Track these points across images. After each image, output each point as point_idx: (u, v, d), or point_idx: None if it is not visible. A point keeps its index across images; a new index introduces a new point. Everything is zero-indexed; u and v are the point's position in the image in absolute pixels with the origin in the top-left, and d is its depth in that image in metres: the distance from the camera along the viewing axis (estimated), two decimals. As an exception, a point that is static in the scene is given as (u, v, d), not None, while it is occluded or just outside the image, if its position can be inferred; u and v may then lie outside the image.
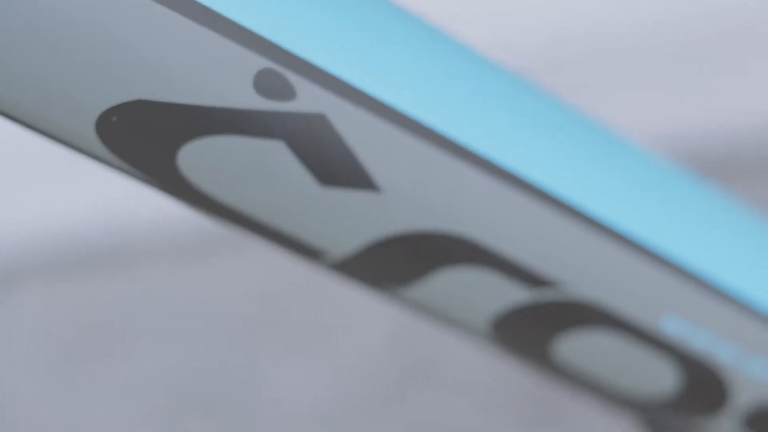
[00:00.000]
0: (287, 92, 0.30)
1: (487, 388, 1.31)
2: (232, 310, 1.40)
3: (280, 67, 0.30)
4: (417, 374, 1.34)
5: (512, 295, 0.35)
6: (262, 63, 0.30)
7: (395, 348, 1.36)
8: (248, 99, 0.30)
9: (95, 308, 1.41)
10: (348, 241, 0.33)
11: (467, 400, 1.32)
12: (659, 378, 0.38)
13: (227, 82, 0.30)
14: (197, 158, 0.31)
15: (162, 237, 1.44)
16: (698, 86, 1.39)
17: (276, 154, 0.31)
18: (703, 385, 0.39)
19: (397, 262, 0.34)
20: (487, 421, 1.30)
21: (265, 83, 0.30)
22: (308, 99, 0.31)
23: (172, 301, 1.40)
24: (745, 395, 0.39)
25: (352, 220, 0.33)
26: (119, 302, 1.40)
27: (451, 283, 0.35)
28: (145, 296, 1.41)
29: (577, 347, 0.37)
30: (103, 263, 1.43)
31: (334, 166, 0.31)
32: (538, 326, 0.36)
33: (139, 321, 1.39)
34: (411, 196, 0.32)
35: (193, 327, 1.39)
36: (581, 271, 0.35)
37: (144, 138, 0.31)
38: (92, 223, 1.42)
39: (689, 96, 1.39)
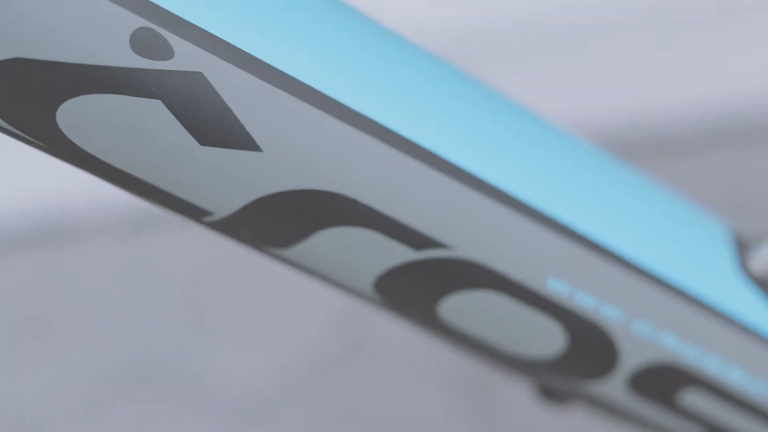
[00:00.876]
0: (164, 51, 0.30)
1: (426, 361, 1.32)
2: (174, 288, 1.40)
3: (156, 25, 0.30)
4: (359, 350, 1.34)
5: (396, 256, 0.35)
6: (139, 22, 0.30)
7: (337, 326, 1.36)
8: (125, 58, 0.30)
9: (33, 286, 1.40)
10: (231, 201, 0.33)
11: (407, 372, 1.33)
12: (547, 340, 0.38)
13: (104, 40, 0.30)
14: (76, 117, 0.31)
15: (101, 214, 1.44)
16: (611, 70, 1.40)
17: (154, 113, 0.31)
18: (592, 346, 0.39)
19: (280, 222, 0.34)
20: (425, 391, 1.31)
21: (142, 42, 0.30)
22: (186, 58, 0.31)
23: (110, 279, 1.40)
24: (633, 356, 0.39)
25: (234, 180, 0.33)
26: (57, 280, 1.40)
27: (334, 244, 0.35)
28: (83, 274, 1.40)
29: (463, 309, 0.37)
30: (41, 241, 1.42)
31: (214, 125, 0.31)
32: (423, 288, 0.36)
33: (77, 299, 1.39)
34: (292, 155, 0.32)
35: (134, 305, 1.38)
36: (466, 232, 0.35)
37: (23, 97, 0.31)
38: (29, 203, 1.41)
39: (602, 80, 1.40)
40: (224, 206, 0.33)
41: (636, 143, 1.43)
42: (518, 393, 1.26)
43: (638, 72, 1.39)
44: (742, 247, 0.41)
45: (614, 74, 1.39)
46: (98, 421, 1.32)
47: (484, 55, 1.35)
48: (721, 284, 0.40)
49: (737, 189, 1.39)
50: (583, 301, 0.38)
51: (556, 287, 0.37)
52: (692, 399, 0.41)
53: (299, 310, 1.37)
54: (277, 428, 1.31)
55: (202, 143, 0.32)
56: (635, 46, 1.37)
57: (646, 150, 1.42)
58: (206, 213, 0.34)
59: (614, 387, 0.41)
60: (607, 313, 0.38)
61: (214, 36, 0.31)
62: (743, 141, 1.42)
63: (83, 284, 1.39)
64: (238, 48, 0.31)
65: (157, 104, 0.31)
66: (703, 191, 1.39)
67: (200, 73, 0.31)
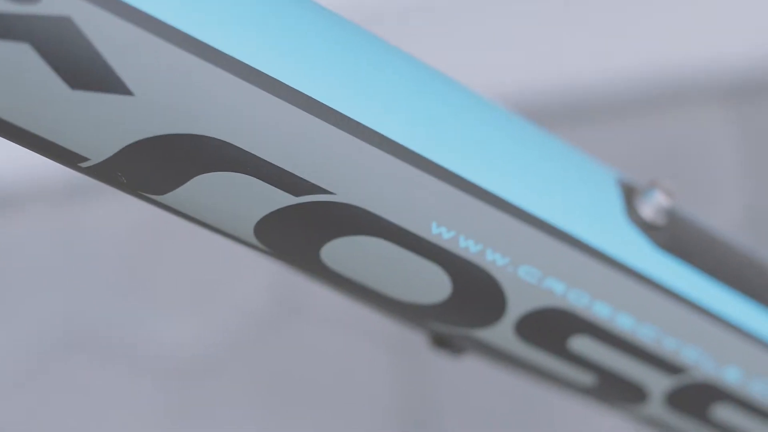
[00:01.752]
0: None
1: (361, 322, 1.32)
2: (109, 253, 1.39)
3: None
4: (294, 314, 1.34)
5: (275, 202, 0.35)
6: None
7: (273, 291, 1.35)
8: None
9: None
10: (105, 146, 0.33)
11: (342, 334, 1.33)
12: (433, 286, 0.38)
13: None
14: None
15: (35, 181, 1.42)
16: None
17: (23, 56, 0.31)
18: (478, 292, 0.39)
19: (155, 167, 0.34)
20: (360, 352, 1.31)
21: None
22: (53, 2, 0.30)
23: (44, 244, 1.39)
24: (521, 301, 0.39)
25: (107, 124, 0.32)
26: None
27: (212, 190, 0.35)
28: (17, 240, 1.39)
29: (347, 255, 0.37)
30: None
31: (84, 69, 0.31)
32: (303, 233, 0.36)
33: (9, 264, 1.38)
34: (165, 99, 0.32)
35: (67, 270, 1.37)
36: (346, 178, 0.35)
37: None
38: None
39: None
40: (99, 151, 0.33)
41: (568, 107, 1.43)
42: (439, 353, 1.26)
43: (568, 37, 1.39)
44: (629, 195, 0.41)
45: (545, 37, 1.39)
46: (33, 387, 1.31)
47: (405, 30, 1.34)
48: (607, 230, 0.40)
49: (667, 151, 1.40)
50: (468, 247, 0.38)
51: (440, 233, 0.37)
52: (582, 344, 0.41)
53: (235, 276, 1.37)
54: (212, 392, 1.31)
55: (72, 87, 0.32)
56: (564, 8, 1.37)
57: (578, 114, 1.42)
58: (82, 158, 0.34)
59: (504, 333, 0.41)
60: (492, 258, 0.38)
61: None
62: (673, 104, 1.43)
63: (16, 250, 1.38)
64: None
65: (26, 48, 0.31)
66: (634, 153, 1.39)
67: (68, 18, 0.31)
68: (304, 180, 0.35)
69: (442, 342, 0.45)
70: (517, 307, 0.40)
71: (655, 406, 0.44)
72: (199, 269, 1.37)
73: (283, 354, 1.33)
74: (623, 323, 0.41)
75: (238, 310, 1.35)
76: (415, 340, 1.32)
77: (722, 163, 1.39)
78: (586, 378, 0.43)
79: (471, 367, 1.30)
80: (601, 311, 0.40)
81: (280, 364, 1.32)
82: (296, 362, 1.32)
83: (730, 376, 0.43)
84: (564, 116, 1.41)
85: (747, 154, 1.39)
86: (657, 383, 0.43)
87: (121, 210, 1.40)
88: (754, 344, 0.43)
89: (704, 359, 0.42)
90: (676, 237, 0.41)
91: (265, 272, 1.36)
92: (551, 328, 0.41)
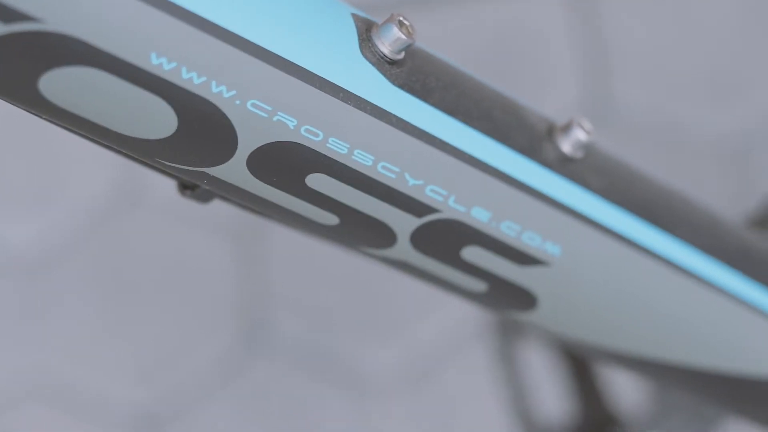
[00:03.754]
0: None
1: (201, 215, 1.34)
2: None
3: None
4: (136, 206, 1.35)
5: None
6: None
7: (115, 184, 1.36)
8: None
9: None
10: None
11: (181, 222, 1.35)
12: (158, 120, 0.38)
13: None
14: None
15: None
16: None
17: None
18: (207, 127, 0.38)
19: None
20: (198, 239, 1.33)
21: None
22: None
23: None
24: (251, 136, 0.39)
25: None
26: None
27: None
28: None
29: (66, 87, 0.36)
30: None
31: None
32: (17, 65, 0.35)
33: None
34: None
35: None
36: (55, 3, 0.34)
37: None
38: None
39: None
40: None
41: None
42: (287, 236, 1.31)
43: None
44: (365, 30, 0.40)
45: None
46: None
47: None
48: (339, 62, 0.39)
49: (501, 36, 1.41)
50: (192, 78, 0.37)
51: (161, 63, 0.36)
52: (318, 181, 0.41)
53: (76, 171, 1.37)
54: (59, 285, 1.32)
55: None
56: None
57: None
58: None
59: (238, 170, 0.40)
60: (218, 90, 0.37)
61: None
62: None
63: None
64: None
65: None
66: (467, 39, 1.40)
67: None
68: (10, 7, 0.34)
69: (186, 186, 0.44)
70: (248, 142, 0.39)
71: (402, 248, 0.44)
72: (39, 166, 1.37)
73: (125, 247, 1.34)
74: (361, 158, 0.40)
75: (80, 204, 1.35)
76: (259, 233, 1.33)
77: (557, 49, 1.40)
78: (330, 218, 0.42)
79: (312, 264, 1.31)
80: (336, 146, 0.40)
81: (122, 257, 1.33)
82: (138, 255, 1.33)
83: (478, 215, 0.43)
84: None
85: (582, 41, 1.40)
86: (402, 223, 0.43)
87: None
88: (501, 181, 0.43)
89: (449, 198, 0.42)
90: (414, 73, 0.41)
91: (106, 166, 1.36)
92: (285, 163, 0.40)
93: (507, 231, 0.44)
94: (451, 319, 1.28)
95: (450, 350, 1.27)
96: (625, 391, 0.96)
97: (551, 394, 1.00)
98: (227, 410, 1.27)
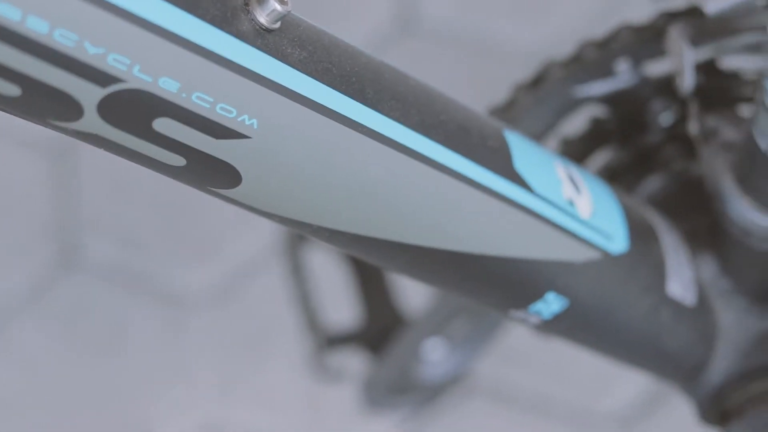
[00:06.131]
0: None
1: (18, 131, 1.32)
2: None
3: None
4: None
5: None
6: None
7: None
8: None
9: None
10: None
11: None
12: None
13: None
14: None
15: None
16: None
17: None
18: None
19: None
20: (14, 159, 1.28)
21: None
22: None
23: None
24: None
25: None
26: None
27: None
28: None
29: None
30: None
31: None
32: None
33: None
34: None
35: None
36: None
37: None
38: None
39: None
40: None
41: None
42: (98, 156, 1.32)
43: None
44: None
45: None
46: None
47: None
48: None
49: None
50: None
51: None
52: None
53: None
54: None
55: None
56: None
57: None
58: None
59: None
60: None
61: None
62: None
63: None
64: None
65: None
66: None
67: None
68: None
69: None
70: None
71: (92, 121, 0.43)
72: None
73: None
74: (36, 27, 0.39)
75: None
76: (73, 151, 1.32)
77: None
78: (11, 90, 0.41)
79: (127, 182, 1.31)
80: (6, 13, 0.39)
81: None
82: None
83: (166, 85, 0.42)
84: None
85: None
86: (86, 93, 0.42)
87: None
88: (189, 51, 0.42)
89: (133, 67, 0.41)
90: None
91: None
92: None
93: (199, 102, 0.43)
94: (261, 238, 1.28)
95: (260, 267, 1.27)
96: (413, 296, 0.97)
97: (343, 300, 1.00)
98: (38, 328, 1.25)
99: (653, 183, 0.68)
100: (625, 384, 1.18)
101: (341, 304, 1.02)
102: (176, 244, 1.29)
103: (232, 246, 1.29)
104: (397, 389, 0.91)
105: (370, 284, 0.92)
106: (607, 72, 0.65)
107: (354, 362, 0.96)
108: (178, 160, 0.45)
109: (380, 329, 0.91)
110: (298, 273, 0.95)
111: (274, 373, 1.22)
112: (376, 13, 1.40)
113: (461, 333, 0.88)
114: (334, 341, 0.91)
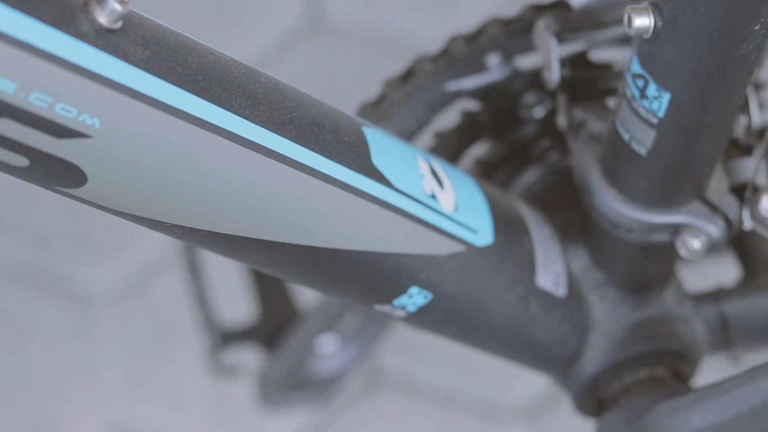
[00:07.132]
0: None
1: None
2: None
3: None
4: None
5: None
6: None
7: None
8: None
9: None
10: None
11: None
12: None
13: None
14: None
15: None
16: None
17: None
18: None
19: None
20: None
21: None
22: None
23: None
24: None
25: None
26: None
27: None
28: None
29: None
30: None
31: None
32: None
33: None
34: None
35: None
36: None
37: None
38: None
39: None
40: None
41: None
42: None
43: None
44: None
45: None
46: None
47: None
48: None
49: None
50: None
51: None
52: None
53: None
54: None
55: None
56: None
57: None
58: None
59: None
60: None
61: None
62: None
63: None
64: None
65: None
66: None
67: None
68: None
69: None
70: None
71: None
72: None
73: None
74: None
75: None
76: None
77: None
78: None
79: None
80: None
81: None
82: None
83: (3, 86, 0.42)
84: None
85: None
86: None
87: None
88: (24, 51, 0.42)
89: None
90: None
91: None
92: None
93: (37, 102, 0.43)
94: (167, 236, 1.27)
95: (166, 265, 1.27)
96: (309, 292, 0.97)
97: (241, 297, 1.00)
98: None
99: (528, 176, 0.69)
100: (532, 377, 1.19)
101: (239, 301, 1.02)
102: (83, 243, 1.29)
103: (139, 244, 1.29)
104: (291, 385, 0.92)
105: (266, 280, 0.92)
106: (477, 66, 0.65)
107: (252, 358, 0.96)
108: (21, 161, 0.45)
109: (275, 325, 0.91)
110: (194, 271, 0.95)
111: (181, 371, 1.22)
112: (284, 12, 1.40)
113: (353, 327, 0.89)
114: (228, 338, 0.91)
